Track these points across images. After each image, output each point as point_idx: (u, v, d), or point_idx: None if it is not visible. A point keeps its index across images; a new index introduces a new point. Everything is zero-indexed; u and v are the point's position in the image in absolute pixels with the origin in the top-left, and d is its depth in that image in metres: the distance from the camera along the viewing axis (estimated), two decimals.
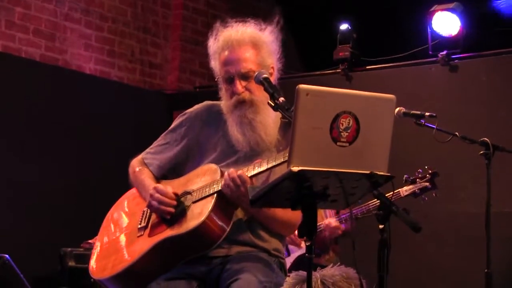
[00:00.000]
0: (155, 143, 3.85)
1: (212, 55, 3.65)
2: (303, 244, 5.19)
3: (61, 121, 7.38)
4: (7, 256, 5.46)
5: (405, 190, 5.10)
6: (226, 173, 3.38)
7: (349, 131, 2.58)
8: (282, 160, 3.25)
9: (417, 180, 5.14)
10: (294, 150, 2.53)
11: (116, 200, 3.96)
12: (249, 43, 3.55)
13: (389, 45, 7.15)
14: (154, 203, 3.55)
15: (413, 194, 5.10)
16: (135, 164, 3.83)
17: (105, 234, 3.85)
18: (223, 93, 3.64)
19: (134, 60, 8.43)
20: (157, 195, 3.54)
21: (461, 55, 6.58)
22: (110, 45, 8.18)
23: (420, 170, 5.14)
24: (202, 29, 8.67)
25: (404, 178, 5.08)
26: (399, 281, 5.89)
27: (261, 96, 3.51)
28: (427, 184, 5.11)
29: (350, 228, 5.46)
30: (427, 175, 5.13)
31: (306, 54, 8.80)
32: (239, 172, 3.36)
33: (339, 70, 7.18)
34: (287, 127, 3.52)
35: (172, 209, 3.52)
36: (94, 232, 5.95)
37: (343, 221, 5.42)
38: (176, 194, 3.56)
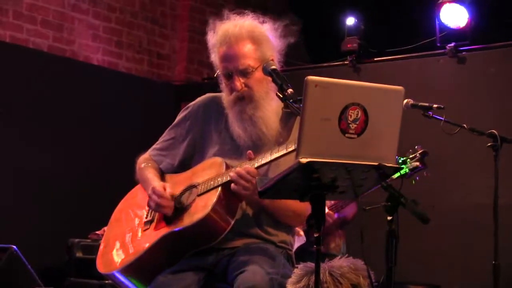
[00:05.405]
0: (160, 139, 3.85)
1: (211, 49, 3.60)
2: (301, 233, 5.18)
3: (69, 112, 7.38)
4: (14, 247, 5.47)
5: None
6: (233, 173, 3.37)
7: (357, 122, 2.57)
8: (285, 151, 3.25)
9: (408, 160, 5.10)
10: (302, 141, 2.52)
11: (123, 191, 3.97)
12: (247, 38, 3.50)
13: (397, 37, 7.15)
14: (152, 204, 3.56)
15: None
16: (141, 161, 3.84)
17: (113, 228, 3.85)
18: (223, 87, 3.61)
19: (142, 51, 8.43)
20: (154, 196, 3.55)
21: (469, 47, 6.57)
22: (118, 36, 8.17)
23: (410, 150, 5.12)
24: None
25: None
26: (407, 271, 5.92)
27: (260, 91, 3.50)
28: (418, 163, 5.08)
29: (351, 217, 5.42)
30: (417, 155, 5.10)
31: (314, 45, 8.78)
32: (245, 166, 3.35)
33: (347, 62, 7.19)
34: (288, 117, 3.51)
35: (169, 211, 3.52)
36: (101, 223, 5.99)
37: (335, 209, 5.33)
38: (173, 195, 3.56)
